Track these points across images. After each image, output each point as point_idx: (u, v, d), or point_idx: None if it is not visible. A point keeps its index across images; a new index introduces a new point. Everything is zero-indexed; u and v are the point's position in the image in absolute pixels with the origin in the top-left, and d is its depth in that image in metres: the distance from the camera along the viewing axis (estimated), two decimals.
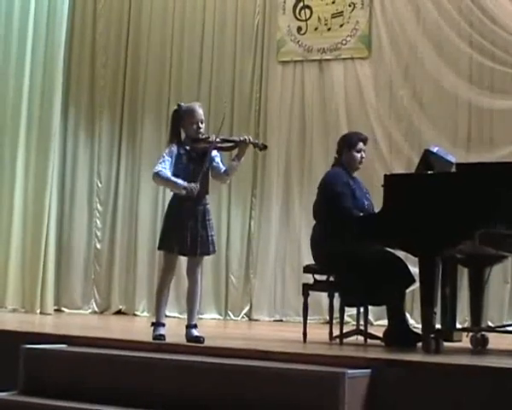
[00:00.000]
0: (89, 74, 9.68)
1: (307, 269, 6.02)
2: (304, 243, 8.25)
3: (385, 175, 5.39)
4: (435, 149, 5.57)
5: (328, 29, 9.02)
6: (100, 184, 9.58)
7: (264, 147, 5.66)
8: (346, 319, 6.45)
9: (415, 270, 5.43)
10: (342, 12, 8.96)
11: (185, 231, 5.30)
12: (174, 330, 5.59)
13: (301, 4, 9.15)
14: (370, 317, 6.86)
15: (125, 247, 9.45)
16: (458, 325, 5.88)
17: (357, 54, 8.89)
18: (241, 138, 5.42)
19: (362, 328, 5.96)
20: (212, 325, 8.03)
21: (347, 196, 5.75)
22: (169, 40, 9.55)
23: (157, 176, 5.37)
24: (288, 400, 4.28)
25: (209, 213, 5.43)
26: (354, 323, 6.33)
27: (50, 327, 7.04)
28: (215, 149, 5.41)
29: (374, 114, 8.69)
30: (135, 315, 9.15)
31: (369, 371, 4.35)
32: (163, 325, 5.37)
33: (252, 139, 5.49)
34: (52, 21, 8.88)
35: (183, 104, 5.52)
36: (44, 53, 8.85)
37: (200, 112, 5.44)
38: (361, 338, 5.96)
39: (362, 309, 5.98)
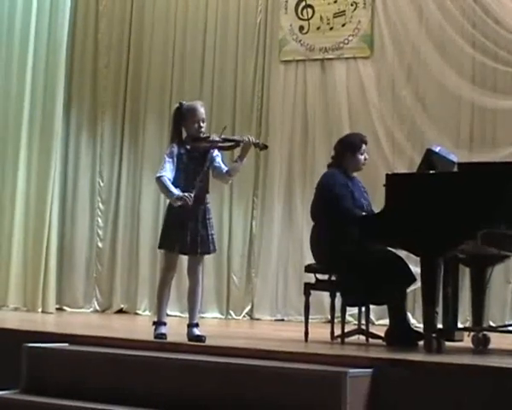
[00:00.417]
0: (91, 74, 9.66)
1: (309, 268, 6.02)
2: (306, 243, 8.16)
3: (387, 174, 5.39)
4: (437, 149, 5.56)
5: (331, 28, 8.99)
6: (102, 184, 9.58)
7: (265, 147, 5.66)
8: (348, 318, 6.45)
9: (416, 269, 5.44)
10: (344, 11, 8.94)
11: (185, 230, 5.30)
12: (176, 329, 5.59)
13: (303, 3, 9.12)
14: (372, 316, 6.85)
15: (127, 246, 9.44)
16: (460, 325, 5.88)
17: (360, 53, 8.86)
18: (242, 138, 5.43)
19: (363, 327, 5.97)
20: (214, 324, 8.02)
21: (347, 197, 5.75)
22: (171, 40, 9.53)
23: (157, 182, 5.39)
24: (289, 399, 4.29)
25: (209, 212, 5.43)
26: (356, 322, 6.32)
27: (52, 326, 7.04)
28: (216, 148, 5.41)
29: (376, 114, 8.66)
30: (136, 314, 9.13)
31: (370, 370, 4.35)
32: (164, 324, 5.37)
33: (252, 139, 5.49)
34: (54, 21, 8.89)
35: (184, 103, 5.52)
36: (46, 53, 8.86)
37: (202, 111, 5.44)
38: (362, 338, 5.96)
39: (363, 309, 5.99)
